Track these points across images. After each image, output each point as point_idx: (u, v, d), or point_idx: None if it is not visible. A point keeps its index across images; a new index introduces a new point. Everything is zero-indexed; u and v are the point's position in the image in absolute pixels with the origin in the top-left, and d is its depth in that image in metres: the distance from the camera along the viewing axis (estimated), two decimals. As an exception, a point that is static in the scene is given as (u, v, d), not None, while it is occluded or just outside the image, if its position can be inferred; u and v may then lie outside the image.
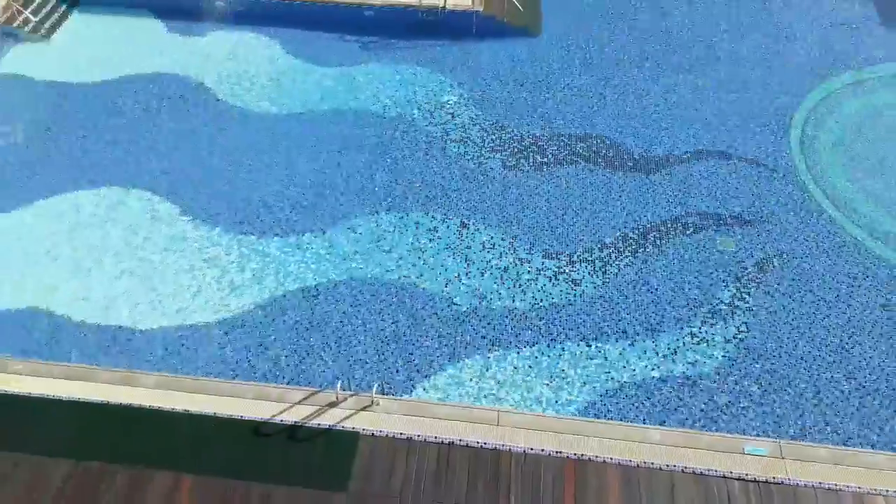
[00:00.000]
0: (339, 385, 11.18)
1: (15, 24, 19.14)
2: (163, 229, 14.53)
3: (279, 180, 15.55)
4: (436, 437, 10.78)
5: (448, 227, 14.62)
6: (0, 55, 18.71)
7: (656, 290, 13.42)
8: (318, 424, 10.90)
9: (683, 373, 12.17)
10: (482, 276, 13.70)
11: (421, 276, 13.68)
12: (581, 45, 19.30)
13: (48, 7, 19.96)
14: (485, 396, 11.80)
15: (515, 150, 16.35)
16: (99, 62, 18.68)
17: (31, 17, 19.27)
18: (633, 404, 11.77)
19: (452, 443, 10.75)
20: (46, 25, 19.58)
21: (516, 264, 13.91)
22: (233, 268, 13.81)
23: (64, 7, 20.28)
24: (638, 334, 12.72)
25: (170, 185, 15.45)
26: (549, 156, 16.19)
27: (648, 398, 11.84)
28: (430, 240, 14.36)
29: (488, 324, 12.87)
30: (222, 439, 10.75)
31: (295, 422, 10.94)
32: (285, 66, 18.66)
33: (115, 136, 16.65)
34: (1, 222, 14.69)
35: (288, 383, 11.72)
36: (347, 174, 15.70)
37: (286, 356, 12.33)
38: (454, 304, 13.20)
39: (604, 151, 16.27)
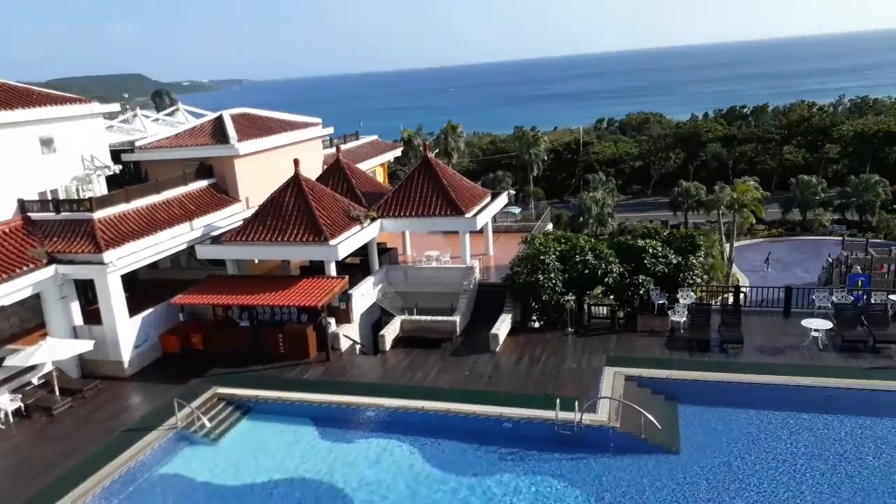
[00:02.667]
0: None
1: (192, 430, 21.52)
2: None
3: None
4: None
5: None
6: (172, 456, 20.66)
7: None
8: None
9: None
10: None
11: None
12: (725, 464, 18.50)
13: (223, 414, 22.56)
14: None
15: (663, 577, 14.68)
16: (253, 465, 20.06)
17: (207, 423, 21.70)
18: None
19: None
20: (218, 431, 21.81)
21: None
22: None
23: (238, 414, 22.82)
24: None
25: None
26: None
27: None
28: None
29: None
30: None
31: None
32: (423, 474, 19.05)
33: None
34: None
35: None
36: None
37: None
38: None
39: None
